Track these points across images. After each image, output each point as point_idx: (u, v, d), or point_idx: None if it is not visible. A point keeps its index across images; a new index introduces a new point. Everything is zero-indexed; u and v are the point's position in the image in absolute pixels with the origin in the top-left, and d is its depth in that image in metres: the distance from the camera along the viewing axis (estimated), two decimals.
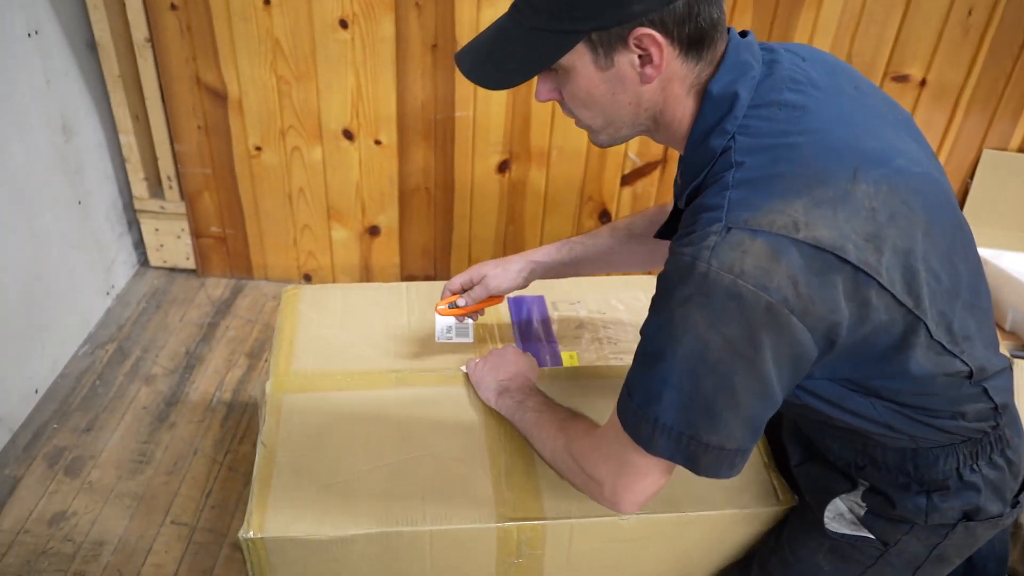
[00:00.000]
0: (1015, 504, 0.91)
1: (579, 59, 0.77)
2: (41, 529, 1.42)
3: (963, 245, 0.84)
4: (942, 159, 1.83)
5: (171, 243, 2.05)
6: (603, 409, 0.94)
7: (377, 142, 1.84)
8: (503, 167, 1.87)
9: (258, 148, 1.87)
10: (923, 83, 1.74)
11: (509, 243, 1.99)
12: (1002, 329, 1.62)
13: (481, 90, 1.76)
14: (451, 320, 1.33)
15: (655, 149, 1.83)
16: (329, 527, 0.99)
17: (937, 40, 1.68)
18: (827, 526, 0.96)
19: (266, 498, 1.02)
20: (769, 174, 0.74)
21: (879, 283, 0.73)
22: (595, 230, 1.22)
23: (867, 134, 0.79)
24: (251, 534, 0.97)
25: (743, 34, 0.83)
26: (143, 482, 1.51)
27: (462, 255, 2.02)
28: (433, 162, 1.87)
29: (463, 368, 1.21)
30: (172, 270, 2.10)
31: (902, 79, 1.73)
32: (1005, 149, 1.83)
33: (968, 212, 1.83)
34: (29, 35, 1.58)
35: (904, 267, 0.75)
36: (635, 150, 1.84)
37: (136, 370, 1.77)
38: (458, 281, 1.20)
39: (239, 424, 1.66)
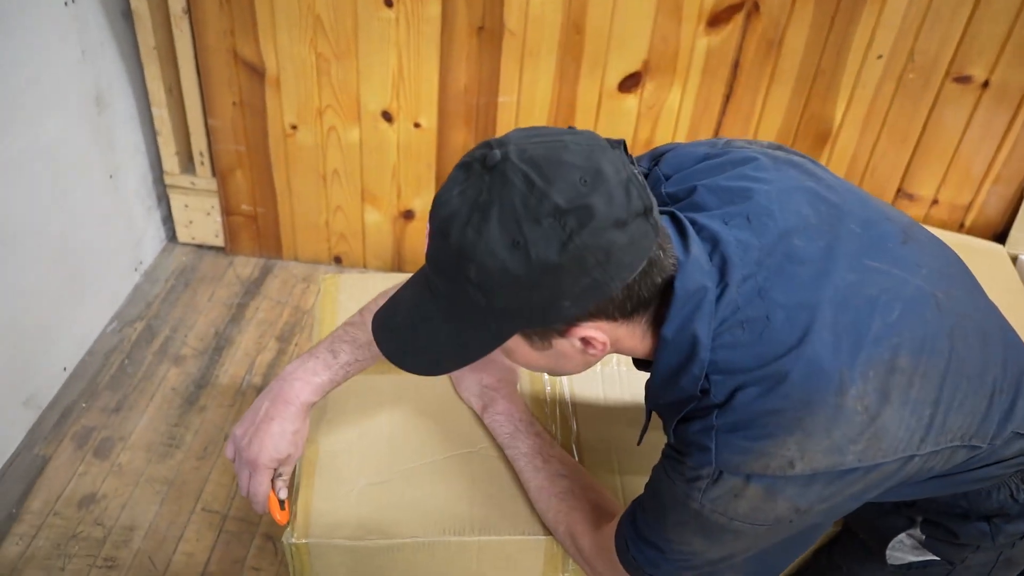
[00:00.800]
0: None
1: (514, 343, 0.74)
2: (71, 511, 1.40)
3: (964, 342, 0.76)
4: (999, 164, 1.77)
5: (200, 220, 2.01)
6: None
7: (416, 125, 1.79)
8: None
9: (294, 127, 1.82)
10: (986, 84, 1.67)
11: None
12: None
13: (526, 75, 1.71)
14: None
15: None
16: (375, 534, 0.96)
17: (1005, 40, 1.61)
18: (889, 561, 0.93)
19: (309, 499, 0.99)
20: (754, 414, 0.69)
21: (881, 463, 0.71)
22: (351, 320, 1.00)
23: (836, 312, 0.71)
24: (294, 539, 0.95)
25: (677, 221, 0.75)
26: (173, 467, 1.49)
27: None
28: (473, 147, 1.82)
29: None
30: (200, 247, 2.06)
31: (965, 80, 1.67)
32: None
33: (1023, 219, 1.78)
34: (66, 4, 1.53)
35: (906, 428, 0.71)
36: (683, 140, 1.78)
37: (165, 350, 1.75)
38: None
39: None
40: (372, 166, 1.87)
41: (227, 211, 1.98)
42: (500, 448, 1.05)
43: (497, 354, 1.00)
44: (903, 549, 0.92)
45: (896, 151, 1.78)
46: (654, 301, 0.72)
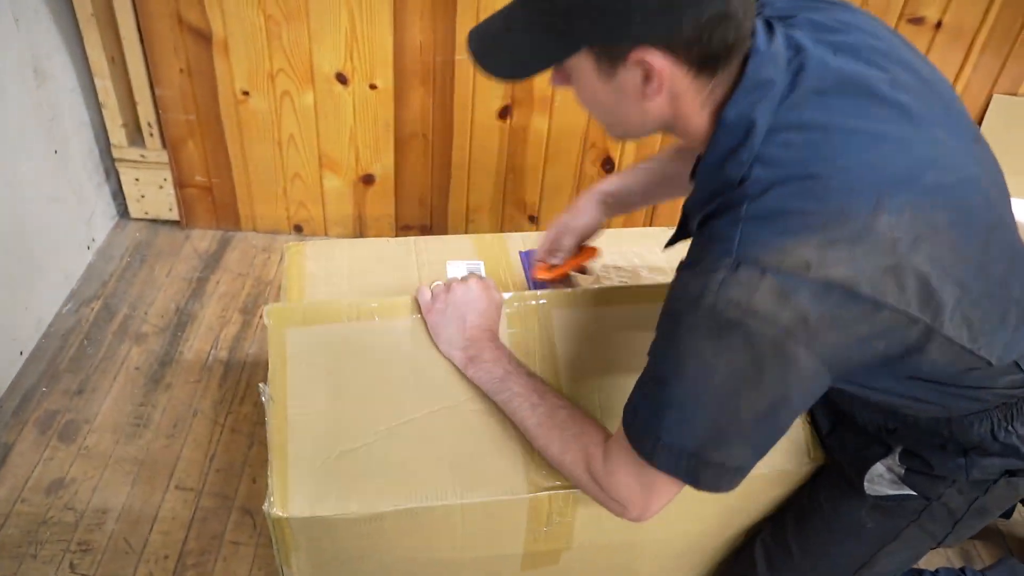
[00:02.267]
0: None
1: (582, 64, 0.75)
2: (39, 498, 1.36)
3: (999, 245, 0.79)
4: None
5: (153, 193, 1.95)
6: (625, 341, 0.94)
7: (372, 86, 1.75)
8: (504, 113, 1.80)
9: (245, 93, 1.76)
10: (938, 25, 1.69)
11: (509, 192, 1.93)
12: None
13: None
14: (464, 275, 1.28)
15: None
16: (356, 504, 0.95)
17: None
18: (867, 491, 0.95)
19: (285, 471, 0.97)
20: (784, 210, 0.71)
21: (894, 307, 0.71)
22: (659, 153, 1.14)
23: (896, 149, 0.73)
24: (276, 512, 0.93)
25: (769, 26, 0.76)
26: (143, 446, 1.46)
27: (459, 205, 1.95)
28: (431, 108, 1.79)
29: (415, 296, 1.07)
30: (154, 222, 2.00)
31: (917, 21, 1.68)
32: (1015, 94, 1.80)
33: None
34: None
35: (924, 289, 0.71)
36: None
37: (125, 328, 1.70)
38: (543, 245, 1.17)
39: (238, 383, 1.60)
40: (329, 130, 1.82)
41: (180, 183, 1.92)
42: (484, 400, 1.02)
43: (482, 292, 1.02)
44: (881, 482, 0.95)
45: None
46: (721, 69, 0.72)
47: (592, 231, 1.16)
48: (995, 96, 1.80)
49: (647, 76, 0.72)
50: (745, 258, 0.70)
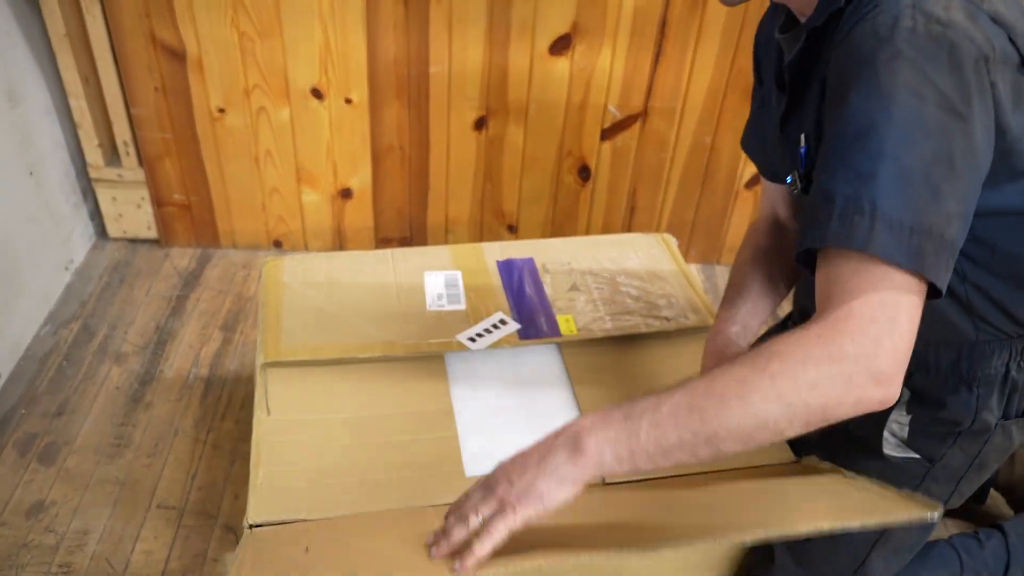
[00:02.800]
0: None
1: None
2: (19, 521, 1.35)
3: None
4: None
5: (131, 213, 1.95)
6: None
7: (348, 100, 1.76)
8: (480, 124, 1.81)
9: (221, 110, 1.77)
10: None
11: (487, 202, 1.94)
12: None
13: (456, 43, 1.69)
14: (441, 286, 1.29)
15: (635, 101, 1.79)
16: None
17: None
18: (884, 450, 0.96)
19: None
20: None
21: None
22: (737, 284, 1.04)
23: None
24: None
25: None
26: (124, 466, 1.45)
27: (438, 216, 1.96)
28: (407, 120, 1.80)
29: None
30: (133, 241, 2.00)
31: None
32: None
33: None
34: None
35: None
36: (615, 103, 1.79)
37: (105, 348, 1.69)
38: None
39: (219, 400, 1.60)
40: (306, 145, 1.83)
41: (158, 202, 1.92)
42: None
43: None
44: (887, 446, 0.97)
45: None
46: None
47: None
48: None
49: None
50: None
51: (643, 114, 1.81)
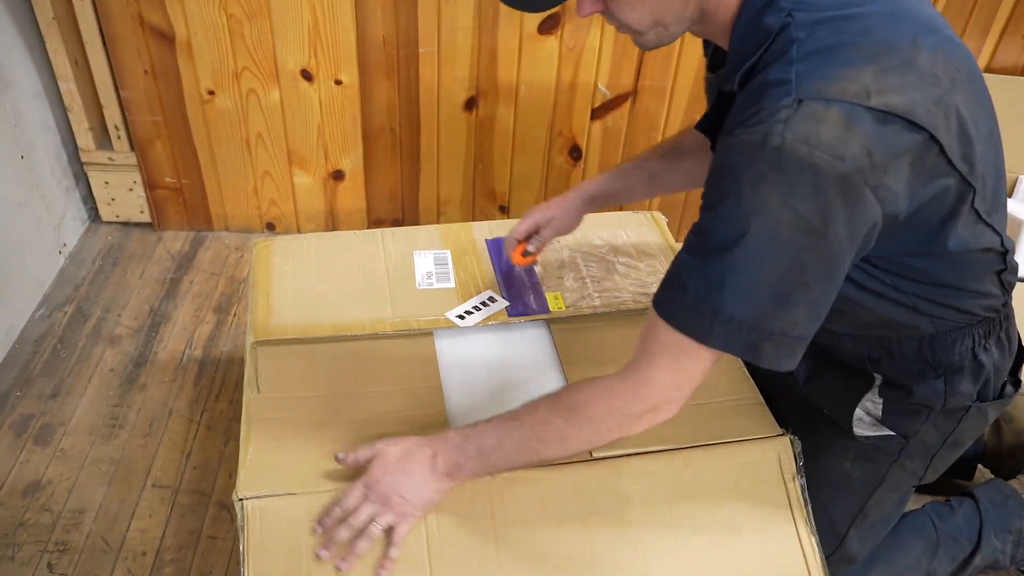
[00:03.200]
0: (1016, 383, 0.96)
1: None
2: (15, 501, 1.37)
3: (995, 123, 0.84)
4: None
5: (123, 196, 1.95)
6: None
7: (338, 82, 1.76)
8: (470, 104, 1.81)
9: (211, 92, 1.77)
10: None
11: (478, 182, 1.95)
12: None
13: (445, 24, 1.69)
14: (430, 265, 1.30)
15: (625, 81, 1.79)
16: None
17: None
18: (855, 431, 0.98)
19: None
20: (834, 44, 0.72)
21: (942, 148, 0.73)
22: (643, 154, 1.20)
23: (915, 5, 0.78)
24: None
25: None
26: (118, 446, 1.47)
27: (430, 197, 1.97)
28: (397, 101, 1.80)
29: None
30: (126, 224, 2.00)
31: None
32: None
33: None
34: None
35: (961, 134, 0.75)
36: (604, 82, 1.79)
37: (99, 331, 1.70)
38: (523, 228, 1.21)
39: (213, 381, 1.61)
40: (296, 127, 1.83)
41: (150, 185, 1.92)
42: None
43: (399, 444, 0.94)
44: (861, 425, 0.99)
45: None
46: None
47: (571, 230, 1.23)
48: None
49: None
50: (807, 93, 0.69)
51: (633, 93, 1.81)
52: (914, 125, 0.70)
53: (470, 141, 1.87)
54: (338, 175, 1.92)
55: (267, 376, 1.10)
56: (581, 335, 1.20)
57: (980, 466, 1.44)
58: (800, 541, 0.97)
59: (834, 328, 0.97)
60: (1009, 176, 1.85)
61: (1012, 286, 0.91)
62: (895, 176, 0.71)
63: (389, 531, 0.91)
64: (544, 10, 0.81)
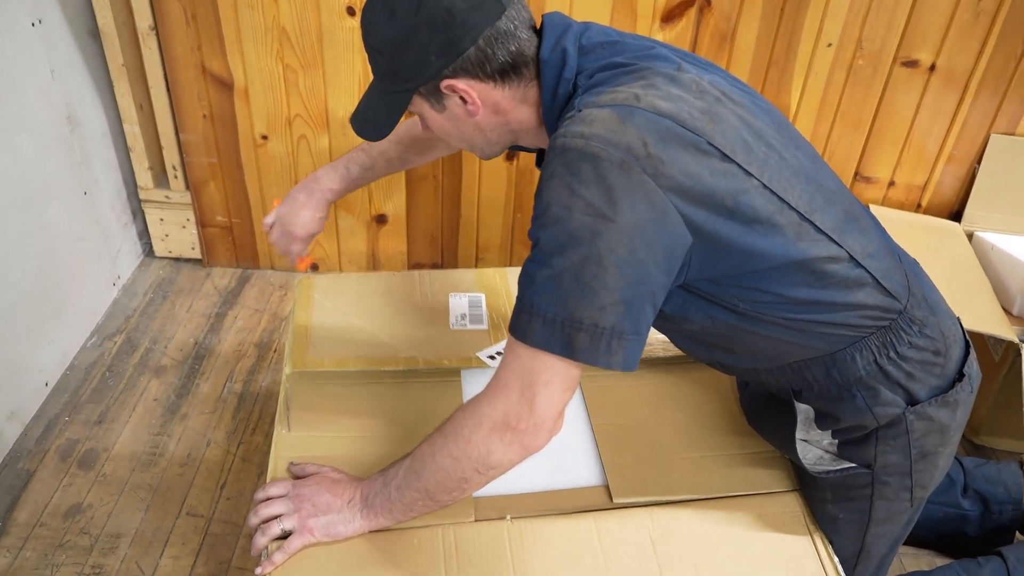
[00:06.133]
0: (961, 377, 0.94)
1: (421, 107, 0.94)
2: (57, 522, 1.41)
3: (798, 140, 0.91)
4: (950, 144, 1.83)
5: (176, 233, 2.04)
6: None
7: None
8: (511, 155, 1.86)
9: (264, 137, 1.85)
10: (932, 68, 1.74)
11: (517, 230, 1.99)
12: (1010, 314, 1.63)
13: None
14: (465, 307, 1.34)
15: None
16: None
17: (948, 25, 1.68)
18: (816, 469, 0.99)
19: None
20: (607, 78, 0.86)
21: (721, 152, 0.80)
22: (361, 146, 1.27)
23: (682, 62, 0.90)
24: None
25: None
26: (157, 474, 1.51)
27: (469, 243, 2.02)
28: None
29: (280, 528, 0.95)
30: (177, 260, 2.09)
31: (912, 64, 1.73)
32: (1013, 134, 1.83)
33: (976, 197, 1.84)
34: (33, 24, 1.56)
35: (740, 139, 0.82)
36: None
37: (145, 361, 1.77)
38: (276, 243, 1.28)
39: (251, 415, 1.66)
40: None
41: (202, 223, 2.01)
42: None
43: (321, 481, 0.99)
44: (822, 462, 0.99)
45: (851, 136, 1.84)
46: (520, 70, 0.89)
47: (319, 231, 1.29)
48: (993, 136, 1.83)
49: (463, 98, 0.89)
50: (584, 105, 0.82)
51: None
52: (682, 126, 0.79)
53: (510, 190, 1.92)
54: (381, 219, 1.98)
55: (298, 413, 1.14)
56: (608, 380, 1.22)
57: (1020, 534, 1.40)
58: None
59: (743, 364, 0.99)
60: None
61: (903, 292, 0.90)
62: (675, 167, 0.78)
63: (287, 536, 0.95)
64: (380, 139, 0.97)
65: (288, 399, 1.15)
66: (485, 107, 0.90)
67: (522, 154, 1.86)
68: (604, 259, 0.76)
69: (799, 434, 0.99)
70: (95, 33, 1.75)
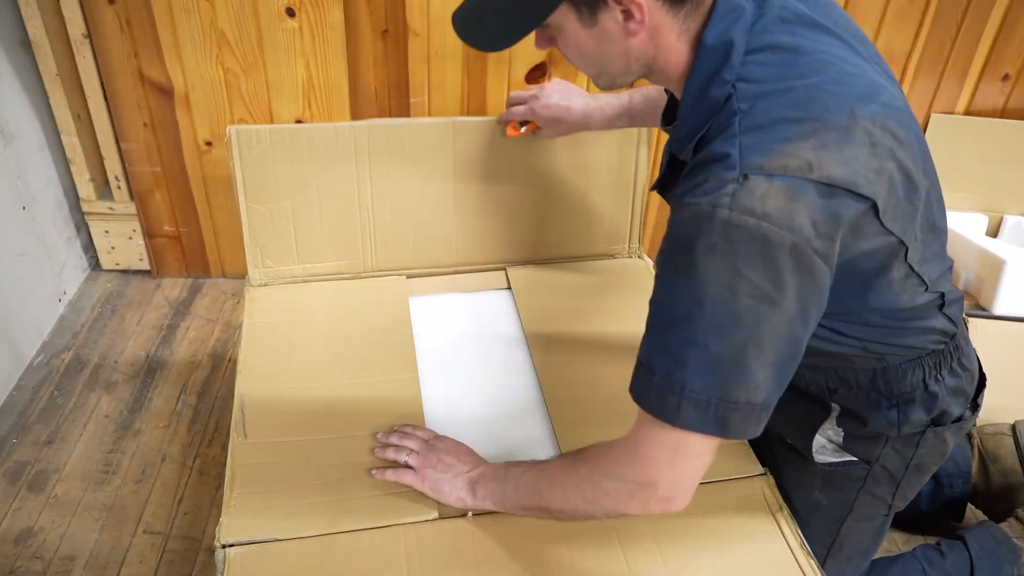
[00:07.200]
0: (975, 408, 0.97)
1: (564, 18, 0.80)
2: (7, 548, 1.38)
3: (934, 176, 0.88)
4: None
5: (123, 244, 1.99)
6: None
7: None
8: None
9: (208, 143, 1.82)
10: None
11: None
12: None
13: (434, 75, 1.74)
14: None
15: None
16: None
17: (884, 8, 1.70)
18: (816, 458, 1.00)
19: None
20: (775, 119, 0.75)
21: (878, 213, 0.75)
22: (619, 96, 1.22)
23: (855, 71, 0.80)
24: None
25: None
26: (111, 492, 1.48)
27: None
28: None
29: (403, 480, 1.02)
30: (125, 272, 2.04)
31: None
32: (952, 112, 1.87)
33: None
34: None
35: (894, 195, 0.77)
36: None
37: (96, 378, 1.73)
38: (518, 96, 1.27)
39: (207, 426, 1.63)
40: None
41: (149, 234, 1.96)
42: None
43: (456, 443, 1.04)
44: (825, 452, 1.01)
45: None
46: (694, 3, 0.78)
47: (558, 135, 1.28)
48: (933, 115, 1.87)
49: (628, 13, 0.77)
50: (751, 168, 0.72)
51: None
52: (856, 195, 0.73)
53: None
54: None
55: (254, 420, 1.12)
56: (564, 368, 1.22)
57: (972, 506, 1.43)
58: (799, 564, 0.97)
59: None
60: (992, 215, 1.88)
61: (959, 319, 0.93)
62: (840, 243, 0.74)
63: (406, 468, 1.01)
64: (502, 48, 0.84)
65: (243, 409, 1.13)
66: (646, 29, 0.79)
67: None
68: (765, 341, 0.73)
69: (819, 435, 1.00)
70: (26, 43, 1.70)
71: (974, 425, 1.29)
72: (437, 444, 1.02)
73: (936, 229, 0.87)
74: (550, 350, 1.26)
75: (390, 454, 1.03)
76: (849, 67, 0.79)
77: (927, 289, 0.85)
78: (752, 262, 0.71)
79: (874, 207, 0.74)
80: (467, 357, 1.26)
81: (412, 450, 1.02)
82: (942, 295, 0.87)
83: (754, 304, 0.72)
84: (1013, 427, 1.40)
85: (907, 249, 0.80)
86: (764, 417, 0.77)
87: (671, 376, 0.75)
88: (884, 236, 0.78)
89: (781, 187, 0.71)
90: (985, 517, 1.41)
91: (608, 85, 0.88)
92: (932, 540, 1.34)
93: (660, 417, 0.77)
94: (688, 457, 0.79)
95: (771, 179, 0.71)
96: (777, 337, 0.74)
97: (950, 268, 0.92)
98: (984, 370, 1.01)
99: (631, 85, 0.94)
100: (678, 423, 0.75)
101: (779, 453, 1.08)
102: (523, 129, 1.29)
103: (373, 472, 1.03)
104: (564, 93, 1.23)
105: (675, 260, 0.75)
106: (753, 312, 0.72)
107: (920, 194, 0.81)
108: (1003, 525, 1.32)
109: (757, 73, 0.77)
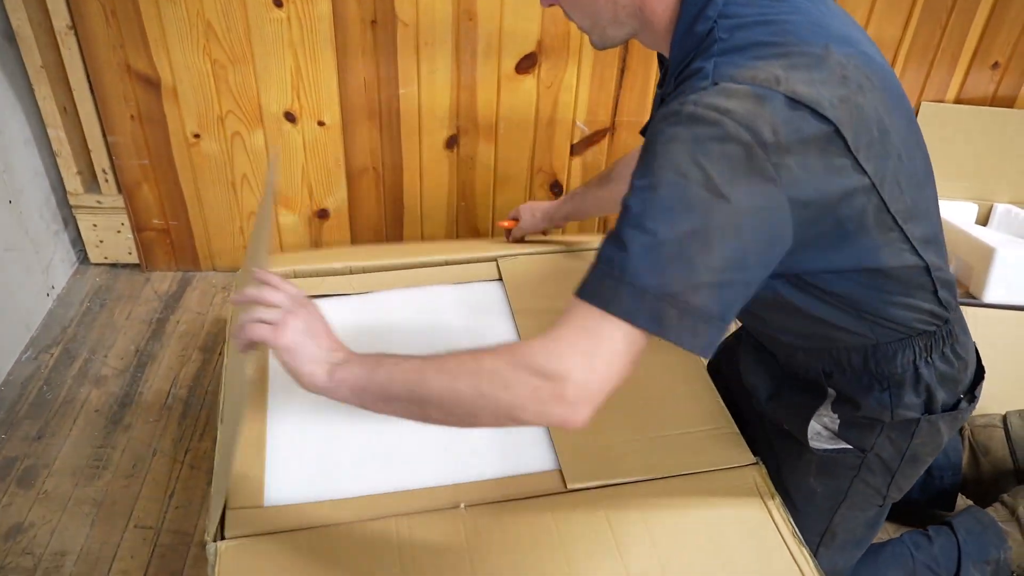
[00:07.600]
0: (971, 399, 0.98)
1: None
2: None
3: (919, 140, 0.88)
4: None
5: (111, 238, 1.98)
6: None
7: (320, 123, 1.80)
8: (451, 143, 1.85)
9: (196, 135, 1.80)
10: None
11: (461, 219, 1.97)
12: None
13: (424, 66, 1.73)
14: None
15: (603, 117, 1.83)
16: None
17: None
18: (811, 444, 1.01)
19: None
20: (750, 42, 0.78)
21: (846, 144, 0.76)
22: (590, 181, 1.42)
23: (833, 21, 0.83)
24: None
25: None
26: (102, 487, 1.47)
27: (414, 234, 1.99)
28: (380, 141, 1.83)
29: (239, 339, 0.86)
30: (114, 266, 2.03)
31: None
32: (942, 101, 1.87)
33: None
34: None
35: (867, 132, 0.78)
36: (583, 119, 1.83)
37: (85, 372, 1.72)
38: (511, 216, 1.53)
39: (198, 420, 1.62)
40: (281, 168, 1.86)
41: (138, 227, 1.95)
42: None
43: (318, 313, 0.89)
44: (820, 439, 1.02)
45: None
46: None
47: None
48: (923, 104, 1.87)
49: None
50: (721, 77, 0.75)
51: (611, 128, 1.85)
52: (820, 116, 0.74)
53: (452, 179, 1.90)
54: (323, 214, 1.95)
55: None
56: None
57: (963, 496, 1.44)
58: (790, 551, 0.98)
59: (784, 338, 1.00)
60: (982, 204, 1.88)
61: (951, 304, 0.93)
62: (798, 161, 0.74)
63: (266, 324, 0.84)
64: None
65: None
66: None
67: (462, 142, 1.84)
68: (711, 236, 0.72)
69: (814, 422, 1.01)
70: (10, 35, 1.68)
71: None
72: (309, 306, 0.87)
73: (924, 194, 0.86)
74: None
75: (246, 316, 0.85)
76: (827, 17, 0.83)
77: (912, 250, 0.85)
78: (708, 153, 0.72)
79: (839, 134, 0.75)
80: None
81: (275, 305, 0.85)
82: (928, 267, 0.87)
83: (705, 195, 0.71)
84: (1004, 418, 1.41)
85: (883, 196, 0.80)
86: (703, 331, 0.73)
87: (612, 261, 0.73)
88: (859, 176, 0.78)
89: (747, 91, 0.73)
90: (973, 503, 1.42)
91: (601, 40, 0.92)
92: (921, 529, 1.35)
93: (592, 301, 0.73)
94: (608, 353, 0.73)
95: (739, 84, 0.74)
96: (725, 239, 0.72)
97: (942, 243, 0.91)
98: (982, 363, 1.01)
99: (624, 44, 0.97)
100: (611, 308, 0.72)
101: (775, 441, 1.08)
102: (505, 223, 1.57)
103: (233, 336, 0.87)
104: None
105: (642, 158, 0.76)
106: (703, 202, 0.71)
107: (893, 140, 0.81)
108: (989, 510, 1.32)
109: (738, 11, 0.81)
